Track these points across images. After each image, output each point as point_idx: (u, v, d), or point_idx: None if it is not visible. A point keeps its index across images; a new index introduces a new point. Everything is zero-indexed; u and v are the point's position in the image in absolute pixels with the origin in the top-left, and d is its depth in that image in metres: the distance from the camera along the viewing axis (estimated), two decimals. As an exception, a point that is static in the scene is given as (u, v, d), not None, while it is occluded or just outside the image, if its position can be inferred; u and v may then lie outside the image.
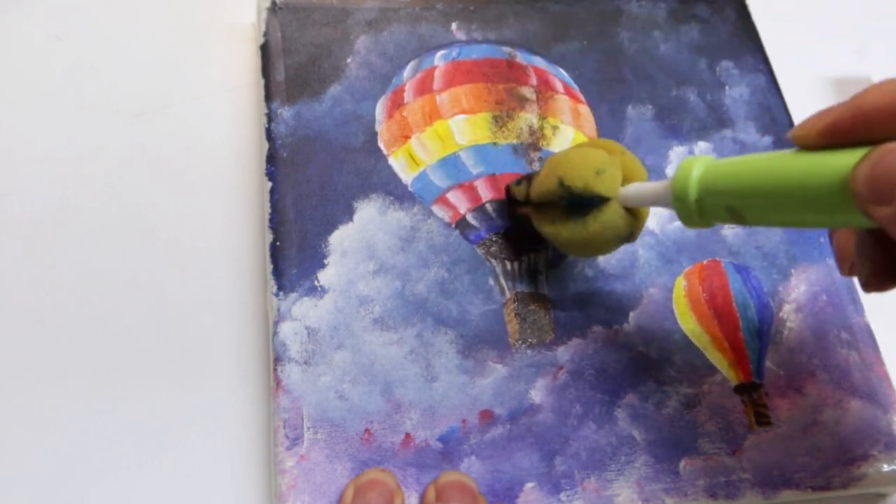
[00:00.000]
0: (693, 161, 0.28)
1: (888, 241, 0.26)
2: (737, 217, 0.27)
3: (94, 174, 0.38)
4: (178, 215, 0.37)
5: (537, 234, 0.34)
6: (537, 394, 0.34)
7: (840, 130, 0.23)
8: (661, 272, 0.37)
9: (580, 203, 0.31)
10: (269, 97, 0.38)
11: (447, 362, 0.34)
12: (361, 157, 0.37)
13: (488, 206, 0.37)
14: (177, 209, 0.38)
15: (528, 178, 0.35)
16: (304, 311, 0.33)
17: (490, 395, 0.33)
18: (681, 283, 0.37)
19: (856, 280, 0.38)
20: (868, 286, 0.27)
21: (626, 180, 0.31)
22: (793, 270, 0.38)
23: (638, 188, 0.30)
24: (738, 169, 0.26)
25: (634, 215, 0.32)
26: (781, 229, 0.39)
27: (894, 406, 0.35)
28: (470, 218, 0.37)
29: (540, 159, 0.38)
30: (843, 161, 0.22)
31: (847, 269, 0.29)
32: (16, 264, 0.35)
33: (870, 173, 0.21)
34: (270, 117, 0.37)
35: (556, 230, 0.32)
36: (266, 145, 0.37)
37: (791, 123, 0.42)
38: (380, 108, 0.39)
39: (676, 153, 0.40)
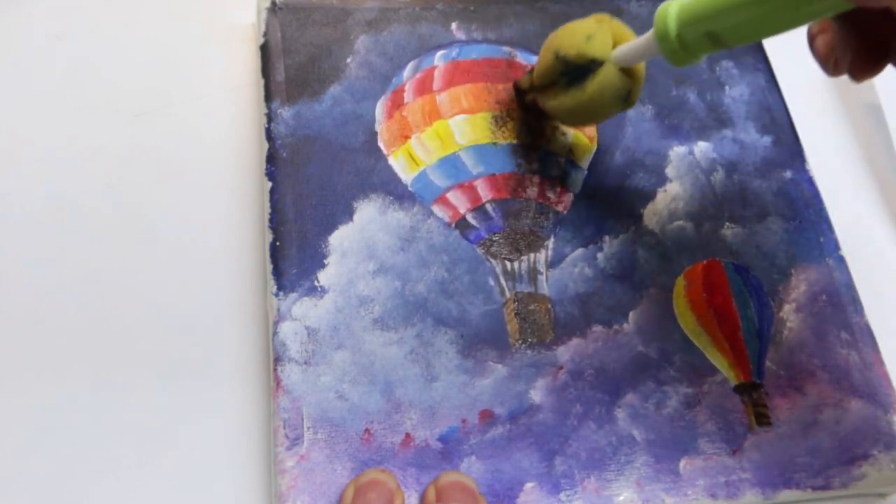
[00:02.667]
0: (668, 3, 0.30)
1: (865, 25, 0.28)
2: (717, 42, 0.29)
3: (94, 174, 0.38)
4: (178, 215, 0.37)
5: (547, 117, 0.37)
6: (537, 394, 0.34)
7: None
8: (661, 272, 0.37)
9: (578, 73, 0.33)
10: (269, 97, 0.38)
11: (447, 362, 0.34)
12: (361, 157, 0.37)
13: (488, 206, 0.37)
14: (177, 209, 0.38)
15: (531, 71, 0.37)
16: (304, 311, 0.33)
17: (490, 395, 0.33)
18: (681, 283, 0.37)
19: (856, 280, 0.38)
20: (854, 74, 0.29)
21: (616, 43, 0.33)
22: (793, 270, 0.38)
23: (627, 45, 0.33)
24: None
25: (631, 76, 0.34)
26: (782, 231, 0.39)
27: (894, 406, 0.35)
28: (470, 218, 0.37)
29: (539, 159, 0.38)
30: None
31: (832, 67, 0.30)
32: (16, 264, 0.35)
33: None
34: (270, 117, 0.37)
35: (560, 102, 0.35)
36: (266, 145, 0.37)
37: (791, 123, 0.42)
38: (380, 108, 0.39)
39: (676, 153, 0.40)
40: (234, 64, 0.42)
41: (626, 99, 0.34)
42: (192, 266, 0.36)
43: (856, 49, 0.29)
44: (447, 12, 0.42)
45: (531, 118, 0.39)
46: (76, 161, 0.38)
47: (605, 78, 0.33)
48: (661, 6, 0.30)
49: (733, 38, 0.29)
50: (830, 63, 0.30)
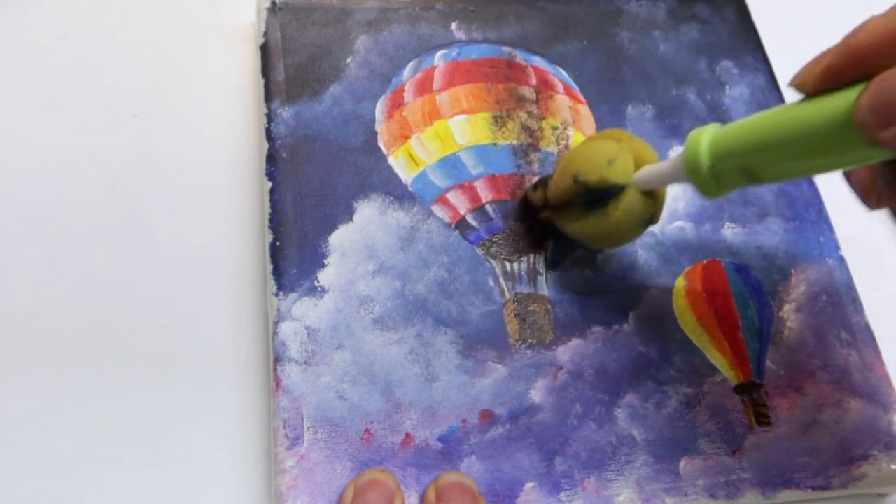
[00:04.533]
0: (701, 131, 0.28)
1: None
2: (751, 177, 0.27)
3: (94, 174, 0.38)
4: (178, 215, 0.37)
5: (562, 234, 0.35)
6: (537, 394, 0.34)
7: (836, 72, 0.24)
8: (661, 272, 0.37)
9: (598, 196, 0.32)
10: (269, 97, 0.38)
11: (447, 362, 0.34)
12: (361, 157, 0.37)
13: (488, 207, 0.37)
14: (177, 209, 0.38)
15: (544, 182, 0.35)
16: (304, 311, 0.34)
17: (490, 395, 0.33)
18: (681, 283, 0.37)
19: (856, 280, 0.38)
20: None
21: (637, 164, 0.32)
22: (793, 270, 0.38)
23: (651, 169, 0.31)
24: (745, 128, 0.27)
25: (653, 197, 0.32)
26: (782, 231, 0.39)
27: (894, 406, 0.35)
28: (470, 218, 0.37)
29: (539, 160, 0.38)
30: (845, 98, 0.23)
31: (874, 202, 0.29)
32: (16, 264, 0.35)
33: (871, 100, 0.22)
34: (270, 117, 0.37)
35: (581, 226, 0.33)
36: (266, 145, 0.37)
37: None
38: (380, 108, 0.39)
39: (676, 153, 0.40)
40: (234, 64, 0.42)
41: (649, 221, 0.33)
42: (192, 266, 0.36)
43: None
44: (447, 12, 0.42)
45: (536, 226, 0.37)
46: (76, 161, 0.38)
47: (629, 204, 0.31)
48: (692, 135, 0.28)
49: (770, 176, 0.27)
50: (872, 198, 0.28)
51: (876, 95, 0.22)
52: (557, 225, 0.35)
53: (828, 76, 0.24)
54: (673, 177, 0.30)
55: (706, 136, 0.28)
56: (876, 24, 0.23)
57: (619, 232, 0.32)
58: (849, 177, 0.29)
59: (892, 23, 0.23)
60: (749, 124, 0.27)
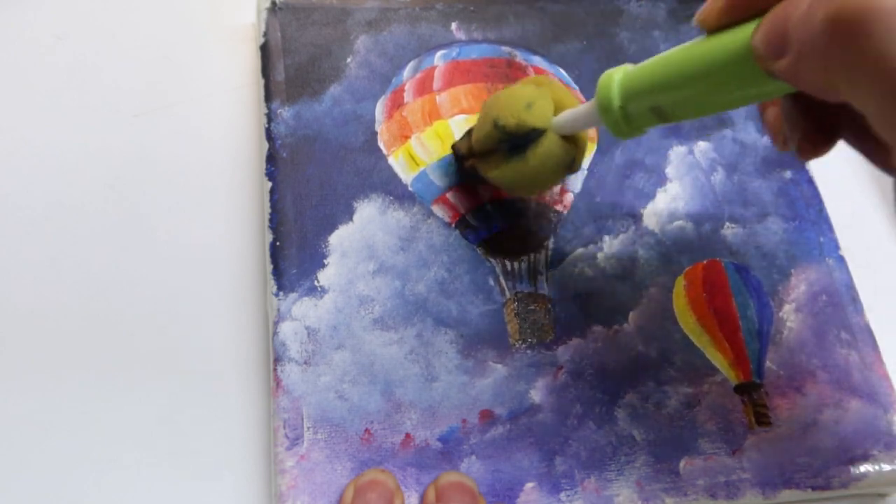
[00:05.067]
0: (611, 73, 0.29)
1: (811, 105, 0.26)
2: (661, 115, 0.27)
3: (94, 174, 0.38)
4: (178, 215, 0.37)
5: (485, 182, 0.34)
6: (537, 394, 0.34)
7: (735, 6, 0.24)
8: (661, 272, 0.37)
9: (518, 142, 0.32)
10: (269, 97, 0.38)
11: (447, 362, 0.34)
12: (361, 157, 0.37)
13: (488, 207, 0.37)
14: (177, 209, 0.38)
15: (469, 133, 0.35)
16: (304, 311, 0.34)
17: (490, 395, 0.33)
18: (681, 283, 0.37)
19: (856, 280, 0.38)
20: (802, 153, 0.27)
21: (557, 109, 0.32)
22: (793, 270, 0.38)
23: (568, 113, 0.31)
24: (653, 68, 0.27)
25: (573, 143, 0.32)
26: (782, 231, 0.39)
27: (894, 406, 0.35)
28: (470, 218, 0.37)
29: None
30: (744, 32, 0.23)
31: (781, 142, 0.29)
32: (16, 264, 0.35)
33: (765, 32, 0.22)
34: (270, 117, 0.37)
35: (501, 173, 0.33)
36: (266, 145, 0.37)
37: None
38: (380, 108, 0.39)
39: (676, 153, 0.40)
40: (234, 64, 0.42)
41: (569, 167, 0.32)
42: (192, 266, 0.36)
43: (804, 129, 0.27)
44: (447, 12, 0.42)
45: (468, 178, 0.37)
46: (76, 161, 0.38)
47: (547, 148, 0.31)
48: (604, 76, 0.29)
49: (678, 114, 0.27)
50: (780, 138, 0.29)
51: (769, 28, 0.22)
52: (481, 173, 0.34)
53: (728, 11, 0.24)
54: (588, 119, 0.30)
55: (617, 77, 0.28)
56: None
57: (538, 176, 0.32)
58: (762, 116, 0.30)
59: None
60: (656, 63, 0.27)
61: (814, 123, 0.27)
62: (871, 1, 0.19)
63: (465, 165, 0.36)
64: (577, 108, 0.31)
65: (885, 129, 0.21)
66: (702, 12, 0.25)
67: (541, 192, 0.37)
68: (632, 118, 0.28)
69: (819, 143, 0.27)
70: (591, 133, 0.40)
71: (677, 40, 0.43)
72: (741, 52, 0.24)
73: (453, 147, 0.37)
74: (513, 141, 0.32)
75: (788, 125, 0.28)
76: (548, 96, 0.32)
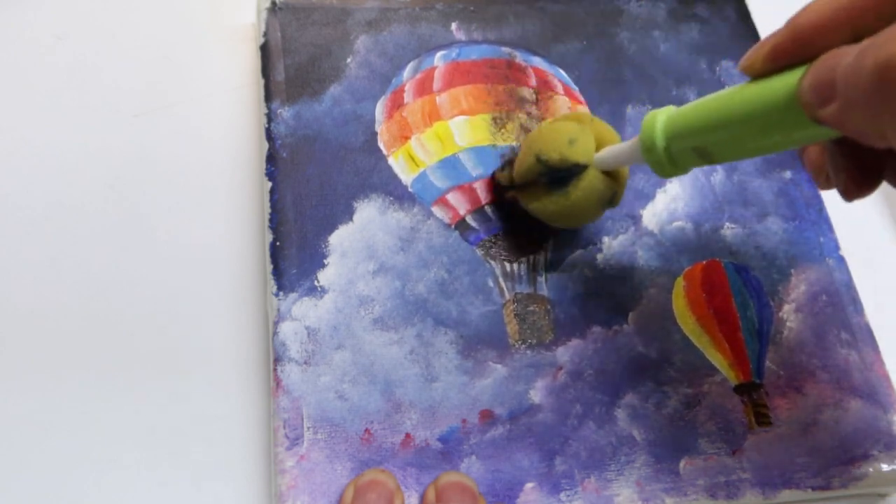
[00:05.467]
0: (655, 113, 0.29)
1: (856, 148, 0.27)
2: (705, 157, 0.28)
3: (94, 174, 0.38)
4: (178, 215, 0.37)
5: (528, 214, 0.35)
6: (537, 394, 0.34)
7: (782, 53, 0.24)
8: (660, 272, 0.37)
9: (560, 176, 0.32)
10: (269, 97, 0.38)
11: (447, 362, 0.34)
12: (361, 157, 0.37)
13: (487, 209, 0.37)
14: (177, 209, 0.38)
15: (510, 163, 0.36)
16: (304, 311, 0.34)
17: (490, 395, 0.33)
18: (680, 283, 0.37)
19: (856, 280, 0.38)
20: (847, 194, 0.28)
21: (599, 145, 0.32)
22: (793, 270, 0.38)
23: (611, 150, 0.32)
24: (697, 109, 0.27)
25: (614, 178, 0.33)
26: (782, 231, 0.39)
27: (894, 406, 0.35)
28: (469, 219, 0.37)
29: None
30: (790, 78, 0.24)
31: (823, 182, 0.29)
32: (16, 264, 0.35)
33: (812, 80, 0.23)
34: (270, 117, 0.37)
35: (543, 205, 0.34)
36: (266, 145, 0.37)
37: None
38: (380, 109, 0.39)
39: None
40: (234, 64, 0.42)
41: (610, 201, 0.33)
42: (192, 266, 0.36)
43: (849, 171, 0.27)
44: (447, 12, 0.42)
45: (510, 210, 0.37)
46: (76, 161, 0.38)
47: (589, 184, 0.32)
48: (648, 116, 0.29)
49: (721, 155, 0.28)
50: (822, 177, 0.29)
51: (816, 75, 0.23)
52: (522, 204, 0.35)
53: (774, 57, 0.25)
54: (631, 157, 0.30)
55: (661, 118, 0.29)
56: (818, 4, 0.24)
57: (579, 210, 0.33)
58: (802, 158, 0.30)
59: (833, 3, 0.23)
60: (701, 106, 0.27)
61: (858, 165, 0.27)
62: None
63: (505, 196, 0.36)
64: (619, 145, 0.31)
65: None
66: (747, 58, 0.26)
67: (580, 225, 0.37)
68: (675, 158, 0.29)
69: (864, 185, 0.27)
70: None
71: (677, 40, 0.44)
72: (787, 99, 0.24)
73: (493, 177, 0.37)
74: (554, 174, 0.32)
75: (832, 167, 0.28)
76: (589, 132, 0.32)
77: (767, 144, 0.27)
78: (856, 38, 0.22)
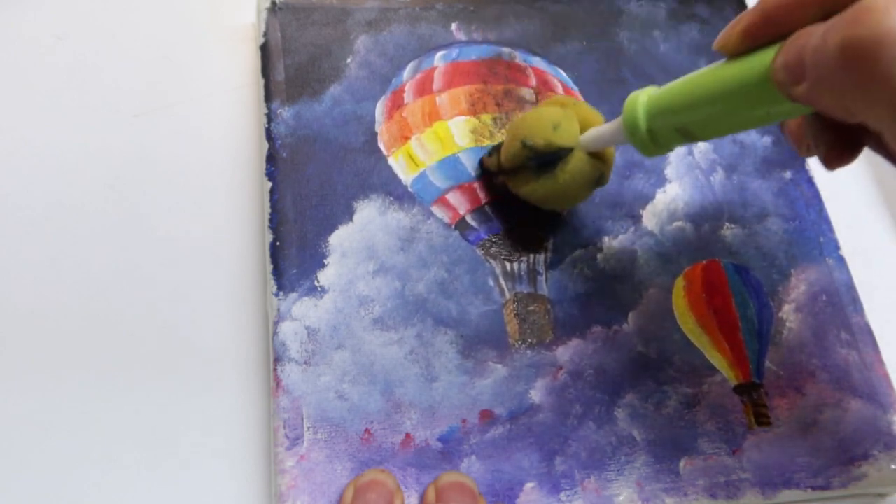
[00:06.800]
0: (637, 94, 0.30)
1: (834, 120, 0.27)
2: (687, 135, 0.29)
3: (94, 174, 0.38)
4: (178, 215, 0.37)
5: (527, 210, 0.36)
6: (537, 394, 0.34)
7: (754, 32, 0.25)
8: (660, 272, 0.37)
9: (547, 159, 0.33)
10: (269, 97, 0.38)
11: (447, 362, 0.34)
12: (361, 157, 0.37)
13: (487, 208, 0.37)
14: (177, 209, 0.38)
15: (497, 149, 0.36)
16: (304, 311, 0.34)
17: (490, 395, 0.33)
18: (680, 283, 0.37)
19: (856, 280, 0.38)
20: (828, 163, 0.28)
21: (583, 128, 0.33)
22: (793, 270, 0.38)
23: (595, 132, 0.32)
24: (677, 89, 0.28)
25: (600, 158, 0.33)
26: (782, 231, 0.39)
27: (894, 406, 0.35)
28: (469, 219, 0.37)
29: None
30: (764, 58, 0.25)
31: (805, 150, 0.30)
32: (16, 264, 0.35)
33: (783, 60, 0.24)
34: (270, 117, 0.37)
35: (532, 189, 0.34)
36: (266, 145, 0.37)
37: (791, 123, 0.42)
38: (380, 109, 0.39)
39: (676, 153, 0.40)
40: (234, 64, 0.42)
41: (597, 181, 0.34)
42: (192, 266, 0.36)
43: (829, 141, 0.28)
44: (447, 12, 0.42)
45: (499, 195, 0.37)
46: (76, 161, 0.38)
47: (576, 166, 0.33)
48: (630, 97, 0.30)
49: (703, 133, 0.28)
50: (803, 147, 0.30)
51: (787, 55, 0.23)
52: (511, 188, 0.35)
53: (746, 37, 0.25)
54: (615, 138, 0.31)
55: (642, 99, 0.29)
56: None
57: (567, 192, 0.34)
58: (782, 128, 0.31)
59: None
60: (681, 85, 0.28)
61: (838, 136, 0.27)
62: (881, 28, 0.20)
63: (495, 182, 0.37)
64: (603, 126, 0.32)
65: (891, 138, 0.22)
66: (721, 38, 0.26)
67: (570, 206, 0.38)
68: (657, 137, 0.29)
69: (844, 153, 0.28)
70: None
71: (677, 40, 0.44)
72: (762, 78, 0.25)
73: (482, 163, 0.37)
74: (541, 159, 0.33)
75: (813, 138, 0.28)
76: (573, 116, 0.33)
77: (747, 121, 0.27)
78: (826, 15, 0.23)
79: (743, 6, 0.45)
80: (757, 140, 0.42)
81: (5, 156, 0.38)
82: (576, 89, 0.41)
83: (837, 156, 0.28)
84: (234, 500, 0.32)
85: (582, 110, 0.34)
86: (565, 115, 0.33)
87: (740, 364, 0.35)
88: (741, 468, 0.33)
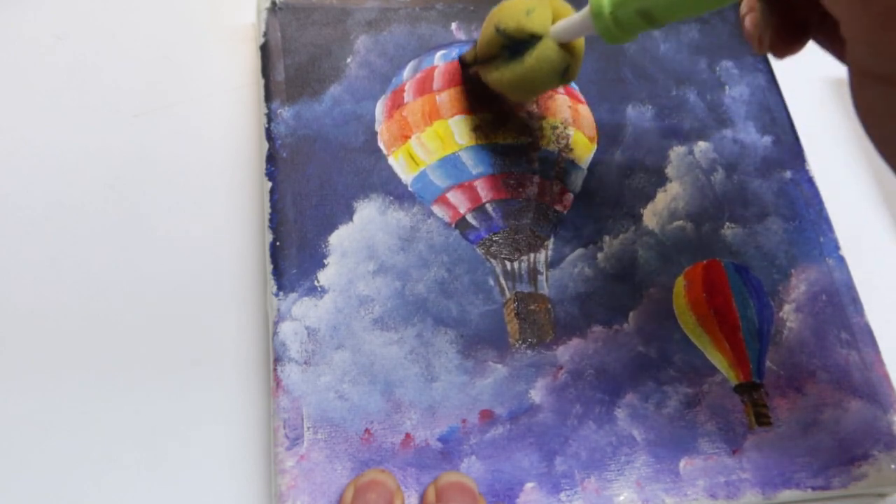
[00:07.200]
0: None
1: (784, 6, 0.30)
2: (648, 18, 0.30)
3: (94, 174, 0.38)
4: (178, 215, 0.37)
5: (488, 90, 0.36)
6: (537, 394, 0.34)
7: None
8: (661, 272, 0.37)
9: (519, 48, 0.34)
10: (269, 97, 0.38)
11: (447, 362, 0.34)
12: (361, 157, 0.37)
13: (488, 207, 0.37)
14: (177, 209, 0.38)
15: (475, 42, 0.37)
16: (304, 311, 0.34)
17: (490, 395, 0.33)
18: (681, 283, 0.37)
19: (856, 280, 0.38)
20: (775, 50, 0.30)
21: (556, 19, 0.34)
22: (793, 270, 0.38)
23: (564, 21, 0.33)
24: None
25: (569, 51, 0.34)
26: (782, 231, 0.39)
27: (894, 406, 0.35)
28: (470, 218, 0.37)
29: (539, 159, 0.38)
30: None
31: (757, 44, 0.31)
32: (16, 264, 0.35)
33: None
34: (270, 117, 0.37)
35: (500, 74, 0.35)
36: (266, 145, 0.37)
37: (791, 124, 0.42)
38: (380, 108, 0.39)
39: (676, 153, 0.40)
40: (234, 64, 0.42)
41: (564, 73, 0.34)
42: (192, 266, 0.36)
43: (776, 27, 0.30)
44: (447, 12, 0.42)
45: (476, 91, 0.38)
46: (76, 161, 0.38)
47: (543, 52, 0.33)
48: None
49: (664, 15, 0.29)
50: (756, 40, 0.31)
51: None
52: (482, 77, 0.36)
53: None
54: (583, 26, 0.32)
55: None
56: None
57: (534, 77, 0.34)
58: (742, 23, 0.32)
59: None
60: None
61: (785, 22, 0.30)
62: None
63: (469, 72, 0.38)
64: (573, 16, 0.33)
65: (831, 4, 0.23)
66: None
67: (535, 96, 0.39)
68: (622, 23, 0.30)
69: (790, 40, 0.30)
70: (591, 133, 0.40)
71: (677, 40, 0.44)
72: None
73: (460, 58, 0.39)
74: (513, 47, 0.34)
75: (763, 26, 0.30)
76: (547, 5, 0.34)
77: (705, 1, 0.28)
78: None
79: (743, 6, 0.45)
80: (757, 140, 0.42)
81: (5, 156, 0.38)
82: (576, 88, 0.41)
83: (783, 43, 0.30)
84: (234, 500, 0.32)
85: (556, 3, 0.34)
86: (539, 3, 0.34)
87: (741, 364, 0.35)
88: (741, 468, 0.33)
